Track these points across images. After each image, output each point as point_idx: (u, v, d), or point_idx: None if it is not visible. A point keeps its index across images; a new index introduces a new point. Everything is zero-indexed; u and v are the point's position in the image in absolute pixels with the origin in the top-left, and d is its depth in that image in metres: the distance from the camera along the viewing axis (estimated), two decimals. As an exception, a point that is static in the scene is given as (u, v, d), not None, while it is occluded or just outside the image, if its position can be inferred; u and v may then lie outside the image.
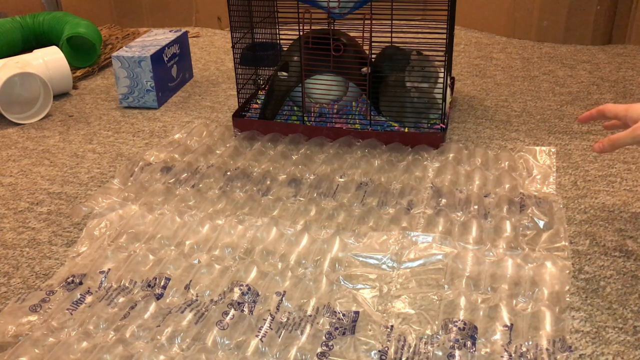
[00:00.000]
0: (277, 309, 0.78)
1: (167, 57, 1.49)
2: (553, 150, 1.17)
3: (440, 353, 0.71)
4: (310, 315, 0.77)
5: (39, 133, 1.35)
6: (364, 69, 1.19)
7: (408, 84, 1.18)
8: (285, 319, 0.76)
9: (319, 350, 0.71)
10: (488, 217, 0.96)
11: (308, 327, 0.75)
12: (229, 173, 1.11)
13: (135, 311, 0.78)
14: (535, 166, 1.11)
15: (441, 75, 1.18)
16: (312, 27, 1.18)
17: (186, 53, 1.60)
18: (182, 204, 1.02)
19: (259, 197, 1.03)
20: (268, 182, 1.07)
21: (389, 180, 1.08)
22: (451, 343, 0.71)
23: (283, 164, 1.14)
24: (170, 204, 1.02)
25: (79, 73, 1.67)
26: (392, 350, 0.72)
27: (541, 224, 0.93)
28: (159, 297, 0.81)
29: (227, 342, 0.73)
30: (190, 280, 0.83)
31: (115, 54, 1.43)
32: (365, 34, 1.16)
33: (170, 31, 1.59)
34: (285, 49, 1.31)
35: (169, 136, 1.30)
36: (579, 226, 0.95)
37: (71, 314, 0.78)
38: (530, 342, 0.71)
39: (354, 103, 1.32)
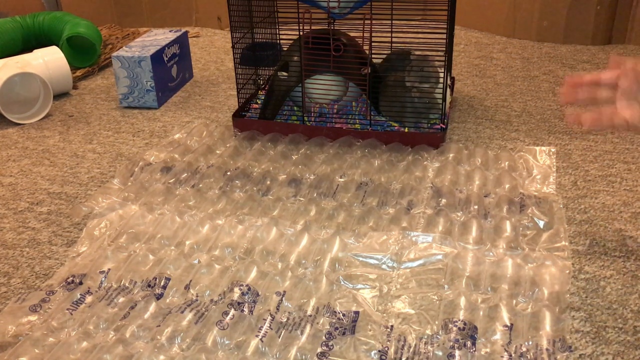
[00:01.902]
0: (277, 309, 0.78)
1: (167, 57, 1.49)
2: (553, 150, 1.17)
3: (440, 353, 0.71)
4: (310, 315, 0.77)
5: (39, 133, 1.35)
6: (364, 69, 1.19)
7: (408, 84, 1.18)
8: (285, 319, 0.76)
9: (319, 350, 0.71)
10: (488, 217, 0.96)
11: (308, 327, 0.75)
12: (229, 173, 1.11)
13: (135, 311, 0.78)
14: (535, 166, 1.11)
15: (441, 75, 1.18)
16: (312, 27, 1.18)
17: (186, 53, 1.60)
18: (182, 204, 1.02)
19: (259, 197, 1.03)
20: (268, 182, 1.07)
21: (389, 180, 1.08)
22: (451, 343, 0.71)
23: (283, 164, 1.14)
24: (170, 204, 1.02)
25: (79, 73, 1.66)
26: (392, 350, 0.72)
27: (541, 224, 0.93)
28: (159, 297, 0.81)
29: (227, 342, 0.73)
30: (190, 280, 0.83)
31: (115, 54, 1.43)
32: (365, 34, 1.16)
33: (170, 31, 1.59)
34: (285, 49, 1.31)
35: (169, 136, 1.30)
36: (579, 226, 0.95)
37: (71, 314, 0.78)
38: (530, 342, 0.71)
39: (354, 103, 1.32)
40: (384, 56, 1.29)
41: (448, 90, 1.24)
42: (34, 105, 1.43)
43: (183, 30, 1.60)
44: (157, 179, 1.10)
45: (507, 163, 1.11)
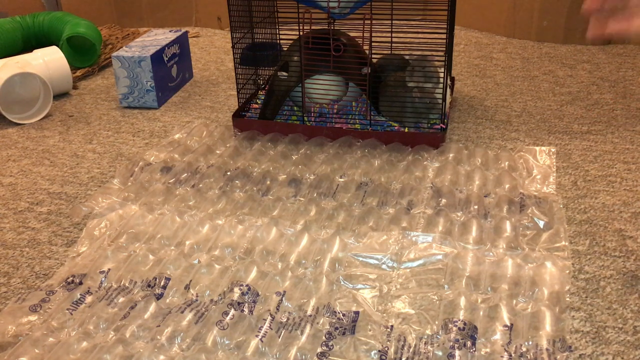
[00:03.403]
0: (277, 309, 0.78)
1: (167, 57, 1.49)
2: (553, 150, 1.17)
3: (440, 353, 0.71)
4: (310, 315, 0.77)
5: (39, 133, 1.35)
6: (364, 70, 1.19)
7: (410, 84, 1.18)
8: (285, 319, 0.76)
9: (319, 350, 0.71)
10: (488, 217, 0.96)
11: (308, 327, 0.75)
12: (229, 173, 1.11)
13: (135, 311, 0.78)
14: (535, 166, 1.11)
15: (441, 75, 1.18)
16: (312, 27, 1.18)
17: (186, 53, 1.60)
18: (182, 204, 1.02)
19: (259, 197, 1.03)
20: (268, 182, 1.07)
21: (389, 180, 1.08)
22: (451, 343, 0.71)
23: (283, 164, 1.14)
24: (170, 204, 1.02)
25: (79, 73, 1.66)
26: (392, 350, 0.72)
27: (541, 224, 0.93)
28: (159, 297, 0.81)
29: (227, 342, 0.73)
30: (190, 280, 0.83)
31: (115, 54, 1.43)
32: (365, 34, 1.16)
33: (170, 31, 1.59)
34: (285, 49, 1.31)
35: (169, 136, 1.30)
36: (579, 226, 0.95)
37: (71, 314, 0.78)
38: (530, 342, 0.71)
39: (354, 103, 1.32)
40: (381, 58, 1.30)
41: (448, 90, 1.24)
42: (34, 105, 1.43)
43: (183, 30, 1.60)
44: (157, 179, 1.10)
45: (507, 163, 1.11)
